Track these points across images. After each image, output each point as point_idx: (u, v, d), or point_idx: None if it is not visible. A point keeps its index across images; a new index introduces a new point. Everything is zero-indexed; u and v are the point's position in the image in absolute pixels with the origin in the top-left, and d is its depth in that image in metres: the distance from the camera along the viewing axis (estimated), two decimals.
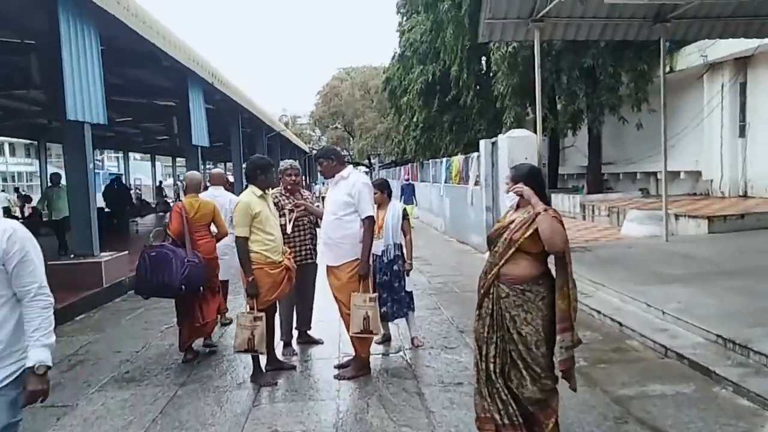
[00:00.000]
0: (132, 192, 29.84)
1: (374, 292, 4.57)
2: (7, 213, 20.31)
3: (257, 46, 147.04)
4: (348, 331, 4.43)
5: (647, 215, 10.75)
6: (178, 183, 33.77)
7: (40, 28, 7.93)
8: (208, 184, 6.81)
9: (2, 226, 2.24)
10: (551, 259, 2.98)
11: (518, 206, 3.06)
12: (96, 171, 33.54)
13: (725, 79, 12.93)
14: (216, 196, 6.13)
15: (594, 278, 6.75)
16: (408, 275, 5.16)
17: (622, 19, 8.76)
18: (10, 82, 11.75)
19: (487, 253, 3.19)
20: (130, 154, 34.76)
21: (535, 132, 9.15)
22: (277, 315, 4.87)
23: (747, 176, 12.79)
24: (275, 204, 4.99)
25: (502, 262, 2.95)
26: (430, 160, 19.09)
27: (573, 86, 14.37)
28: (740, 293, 5.69)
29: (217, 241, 5.50)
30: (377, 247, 4.94)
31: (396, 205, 5.25)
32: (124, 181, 25.52)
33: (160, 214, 22.62)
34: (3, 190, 33.25)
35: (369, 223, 4.40)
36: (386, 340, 5.32)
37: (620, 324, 5.44)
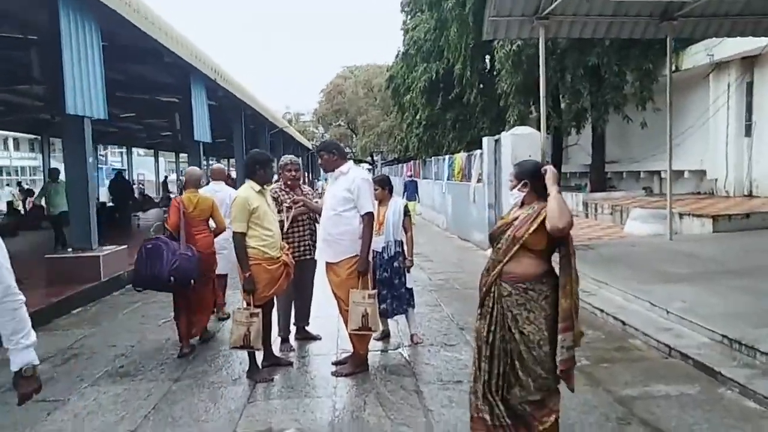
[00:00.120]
0: (135, 187, 29.91)
1: (373, 288, 4.49)
2: (10, 207, 20.38)
3: (260, 42, 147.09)
4: (346, 327, 4.36)
5: (651, 214, 10.65)
6: (181, 178, 33.76)
7: (41, 23, 7.89)
8: (209, 179, 6.78)
9: None
10: (555, 258, 2.90)
11: (522, 203, 2.98)
12: (99, 166, 33.63)
13: (731, 78, 12.80)
14: (216, 191, 6.14)
15: (597, 276, 6.66)
16: (408, 272, 5.09)
17: (628, 17, 8.66)
18: (13, 76, 11.69)
19: (490, 250, 3.11)
20: (134, 150, 34.79)
21: (539, 130, 9.07)
22: (274, 311, 4.80)
23: (752, 176, 12.67)
24: (274, 199, 4.93)
25: (506, 259, 2.87)
26: (433, 158, 19.02)
27: (577, 84, 14.27)
28: (746, 293, 5.60)
29: (215, 236, 5.48)
30: (378, 243, 4.87)
31: (397, 202, 5.17)
32: (127, 177, 25.59)
33: (164, 208, 22.59)
34: (8, 185, 33.33)
35: (368, 219, 4.32)
36: (385, 336, 5.25)
37: (623, 323, 5.35)
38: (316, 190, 20.72)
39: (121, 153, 42.10)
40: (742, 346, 4.24)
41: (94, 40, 7.22)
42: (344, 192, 4.36)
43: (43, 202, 12.65)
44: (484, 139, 11.16)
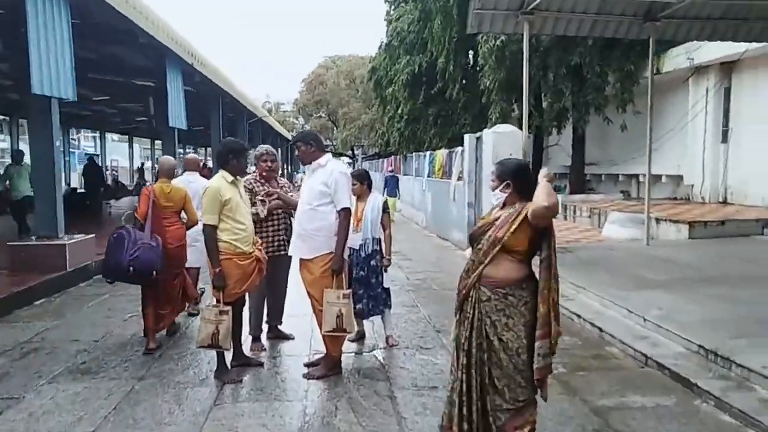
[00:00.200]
0: (108, 173, 29.25)
1: (349, 288, 4.35)
2: None
3: (241, 29, 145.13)
4: (320, 328, 4.21)
5: (629, 218, 10.69)
6: (156, 166, 33.08)
7: None
8: (181, 170, 6.57)
9: None
10: (535, 261, 2.80)
11: (504, 204, 2.86)
12: (71, 150, 32.69)
13: (710, 83, 12.93)
14: (190, 182, 5.94)
15: (575, 281, 6.61)
16: (386, 271, 4.96)
17: (612, 16, 8.65)
18: None
19: (469, 250, 3.00)
20: (108, 135, 33.96)
21: (521, 128, 9.00)
22: (246, 308, 4.64)
23: (727, 182, 12.82)
24: (249, 191, 4.75)
25: (487, 260, 2.76)
26: (414, 154, 18.90)
27: (559, 84, 14.29)
28: (722, 301, 5.60)
29: (187, 228, 5.28)
30: (355, 240, 4.71)
31: (377, 198, 5.02)
32: (99, 162, 24.97)
33: (137, 197, 22.08)
34: None
35: (345, 215, 4.17)
36: (360, 337, 5.11)
37: (600, 329, 5.31)
38: (295, 182, 20.50)
39: (95, 138, 41.04)
40: (717, 357, 4.20)
41: (62, 16, 6.87)
42: (321, 186, 4.20)
43: (4, 187, 11.90)
44: (466, 137, 11.06)
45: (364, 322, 5.12)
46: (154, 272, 4.78)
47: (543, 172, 2.74)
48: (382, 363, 4.60)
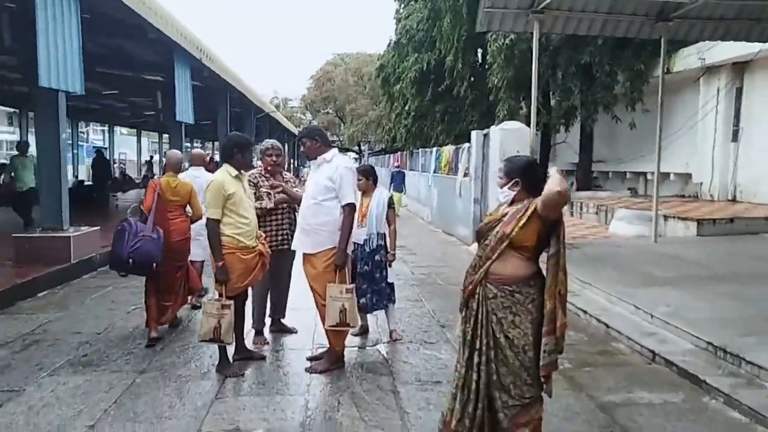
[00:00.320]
0: (116, 166, 29.34)
1: (352, 282, 4.31)
2: None
3: (251, 26, 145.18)
4: (323, 323, 4.17)
5: (636, 215, 10.59)
6: (164, 160, 33.15)
7: None
8: (187, 164, 6.58)
9: None
10: (542, 258, 2.74)
11: (512, 202, 2.80)
12: (80, 143, 32.82)
13: (722, 83, 12.78)
14: (196, 176, 5.95)
15: (581, 277, 6.54)
16: (390, 266, 4.91)
17: (623, 15, 8.52)
18: None
19: (474, 245, 2.95)
20: (116, 128, 34.07)
21: (529, 125, 8.92)
22: (248, 302, 4.60)
23: (737, 181, 12.69)
24: (254, 185, 4.72)
25: (494, 256, 2.70)
26: (420, 149, 18.83)
27: (568, 82, 14.19)
28: (731, 298, 5.52)
29: (192, 222, 5.28)
30: (359, 235, 4.69)
31: (382, 193, 4.98)
32: (107, 155, 25.05)
33: (143, 189, 22.12)
34: None
35: (349, 210, 4.13)
36: (363, 332, 5.07)
37: (607, 325, 5.24)
38: (301, 177, 20.48)
39: (104, 131, 41.17)
40: (727, 354, 4.13)
41: (72, 9, 6.87)
42: (326, 180, 4.16)
43: (9, 178, 11.78)
44: (473, 133, 10.99)
45: (368, 316, 5.08)
46: (155, 264, 4.78)
47: (553, 170, 2.68)
48: (386, 357, 4.56)
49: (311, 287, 4.26)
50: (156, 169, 28.56)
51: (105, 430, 3.31)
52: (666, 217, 10.17)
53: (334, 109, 48.67)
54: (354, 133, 43.44)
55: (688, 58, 12.94)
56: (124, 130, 38.90)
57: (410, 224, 14.11)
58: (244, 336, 4.50)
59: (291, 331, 5.15)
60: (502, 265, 2.73)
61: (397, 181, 16.92)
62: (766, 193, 11.77)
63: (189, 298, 5.61)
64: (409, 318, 5.63)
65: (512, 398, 2.69)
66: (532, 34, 8.36)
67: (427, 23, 19.53)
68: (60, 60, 6.66)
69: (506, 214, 2.79)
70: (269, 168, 4.92)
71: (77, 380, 4.02)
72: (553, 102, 15.46)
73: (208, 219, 4.07)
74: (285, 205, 4.88)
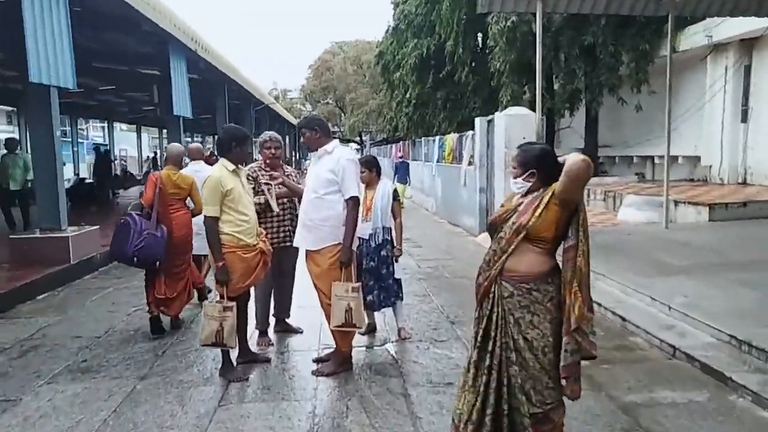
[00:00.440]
0: (116, 163, 29.18)
1: (358, 280, 4.13)
2: None
3: (248, 15, 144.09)
4: (328, 323, 4.00)
5: (645, 201, 10.38)
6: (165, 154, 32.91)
7: None
8: (187, 160, 6.48)
9: None
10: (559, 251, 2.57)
11: (527, 192, 2.61)
12: (80, 141, 32.63)
13: (730, 61, 12.48)
14: (197, 171, 5.89)
15: (593, 267, 6.25)
16: (397, 261, 4.73)
17: None
18: None
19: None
20: (116, 125, 33.84)
21: (534, 110, 8.69)
22: (251, 302, 4.44)
23: (747, 163, 12.43)
24: (253, 179, 4.53)
25: (510, 249, 2.52)
26: (423, 138, 18.59)
27: (572, 65, 13.90)
28: (750, 287, 5.32)
29: (194, 216, 5.20)
30: (364, 230, 4.49)
31: (386, 185, 4.78)
32: (109, 152, 24.89)
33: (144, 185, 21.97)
34: None
35: (353, 204, 3.94)
36: (371, 330, 4.91)
37: (623, 318, 5.07)
38: (303, 170, 20.29)
39: (103, 128, 40.94)
40: (752, 349, 3.95)
41: (60, 2, 6.66)
42: (328, 173, 3.96)
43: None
44: (477, 120, 10.77)
45: (375, 314, 4.92)
46: (158, 262, 4.87)
47: (572, 153, 2.50)
48: (395, 357, 4.40)
49: (315, 286, 4.09)
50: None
51: None
52: (676, 202, 9.96)
53: (334, 99, 48.30)
54: (355, 123, 43.12)
55: (694, 36, 12.64)
56: (124, 126, 38.62)
57: (414, 215, 13.93)
58: (248, 337, 4.34)
59: (296, 330, 4.99)
60: (518, 260, 2.55)
61: (401, 172, 16.72)
62: None
63: (191, 296, 5.49)
64: (418, 314, 5.46)
65: (533, 405, 2.52)
66: (534, 15, 8.11)
67: (425, 7, 19.19)
68: (50, 54, 6.46)
69: (521, 204, 2.60)
70: (268, 161, 4.73)
71: (76, 388, 3.87)
72: (556, 86, 15.18)
73: (206, 217, 3.89)
74: (286, 200, 4.70)
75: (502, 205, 2.78)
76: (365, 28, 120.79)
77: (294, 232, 4.55)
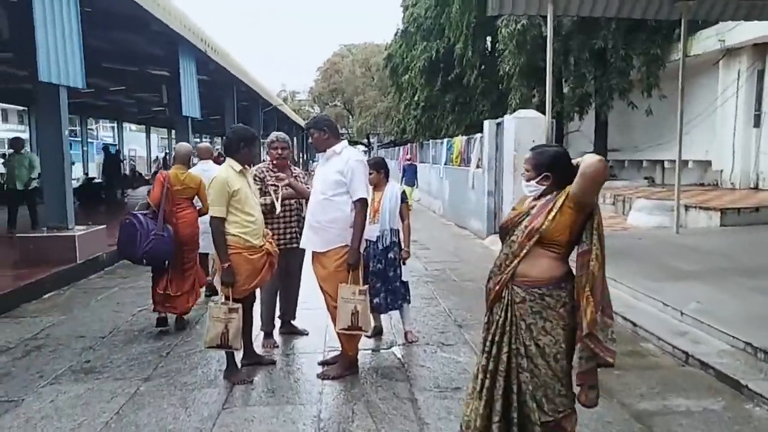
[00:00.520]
0: (125, 163, 29.30)
1: (365, 283, 4.07)
2: None
3: (257, 17, 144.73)
4: (334, 326, 3.94)
5: (656, 205, 10.25)
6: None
7: None
8: (195, 160, 6.48)
9: None
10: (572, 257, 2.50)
11: (541, 196, 2.55)
12: (89, 141, 32.84)
13: (743, 66, 12.35)
14: (205, 170, 5.92)
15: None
16: (404, 263, 4.67)
17: None
18: None
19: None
20: (125, 125, 33.99)
21: (544, 113, 8.61)
22: (257, 303, 4.39)
23: (759, 168, 12.29)
24: (260, 180, 4.49)
25: (523, 253, 2.45)
26: (431, 141, 18.53)
27: (582, 68, 13.82)
28: (764, 293, 5.23)
29: (201, 215, 5.23)
30: (372, 232, 4.43)
31: (394, 187, 4.72)
32: (119, 153, 25.02)
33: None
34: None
35: (361, 205, 3.88)
36: (377, 333, 4.84)
37: (634, 324, 4.97)
38: (310, 171, 20.25)
39: (113, 128, 41.16)
40: None
41: (71, 2, 6.67)
42: (336, 174, 3.90)
43: (4, 177, 11.38)
44: (486, 123, 10.69)
45: (382, 316, 4.86)
46: (166, 262, 4.99)
47: (587, 154, 2.43)
48: (402, 361, 4.32)
49: (321, 288, 4.03)
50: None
51: None
52: (687, 207, 9.83)
53: (342, 102, 48.40)
54: (362, 125, 43.15)
55: (706, 41, 12.53)
56: (133, 126, 38.80)
57: (422, 217, 13.85)
58: (253, 340, 4.29)
59: (302, 332, 4.93)
60: (530, 265, 2.48)
61: (409, 174, 16.64)
62: None
63: (198, 297, 5.46)
64: (425, 317, 5.39)
65: (545, 413, 2.45)
66: (544, 17, 8.04)
67: (435, 10, 19.17)
68: (60, 54, 6.48)
69: (533, 207, 2.54)
70: (275, 161, 4.68)
71: (78, 389, 3.82)
72: (566, 89, 15.09)
73: (212, 218, 3.84)
74: (293, 201, 4.65)
75: (514, 208, 2.71)
76: (374, 31, 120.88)
77: (300, 234, 4.50)
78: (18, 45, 8.87)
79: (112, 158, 19.20)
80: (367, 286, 3.98)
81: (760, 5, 8.34)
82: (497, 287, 2.55)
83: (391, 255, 4.54)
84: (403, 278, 4.66)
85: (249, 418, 3.40)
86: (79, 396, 3.71)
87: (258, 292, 4.34)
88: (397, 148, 28.45)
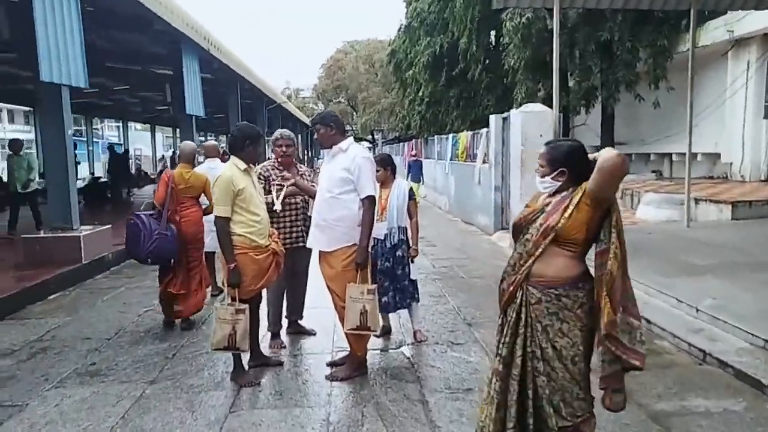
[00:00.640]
0: (131, 162, 29.32)
1: (373, 282, 3.99)
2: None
3: (260, 14, 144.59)
4: (342, 326, 3.87)
5: (665, 198, 10.13)
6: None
7: None
8: (201, 158, 6.41)
9: None
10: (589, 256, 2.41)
11: (555, 193, 2.46)
12: (95, 140, 32.87)
13: (752, 56, 12.16)
14: (212, 168, 5.87)
15: None
16: (413, 261, 4.59)
17: None
18: None
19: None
20: (130, 124, 34.02)
21: (550, 107, 8.50)
22: (263, 304, 4.32)
23: None
24: (265, 178, 4.41)
25: (538, 252, 2.36)
26: (435, 137, 18.42)
27: (588, 61, 13.65)
28: None
29: (206, 214, 5.17)
30: (380, 230, 4.35)
31: (402, 184, 4.64)
32: (126, 153, 25.00)
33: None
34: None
35: (369, 203, 3.80)
36: (386, 332, 4.77)
37: (648, 321, 4.85)
38: (316, 169, 20.15)
39: (118, 127, 41.19)
40: None
41: (71, 1, 6.60)
42: (342, 172, 3.82)
43: (6, 178, 11.18)
44: (492, 117, 10.58)
45: (390, 315, 4.78)
46: (171, 261, 5.03)
47: (605, 149, 2.34)
48: (411, 361, 4.25)
49: (328, 287, 3.95)
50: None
51: None
52: (697, 200, 9.70)
53: (346, 98, 48.25)
54: (367, 121, 43.01)
55: (714, 32, 12.35)
56: (138, 125, 38.84)
57: (428, 213, 13.76)
58: (260, 341, 4.22)
59: (309, 333, 4.86)
60: (545, 264, 2.39)
61: (414, 170, 16.56)
62: None
63: (205, 296, 5.42)
64: (433, 316, 5.31)
65: (563, 418, 2.37)
66: (550, 10, 7.92)
67: (438, 4, 18.99)
68: (61, 54, 6.42)
69: (548, 204, 2.45)
70: (280, 159, 4.60)
71: (84, 392, 3.76)
72: (571, 83, 14.93)
73: (217, 217, 3.77)
74: (299, 199, 4.57)
75: (527, 205, 2.62)
76: (377, 27, 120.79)
77: (307, 233, 4.42)
78: (20, 45, 8.79)
79: (119, 157, 19.17)
80: (375, 285, 3.91)
81: None
82: (511, 288, 2.46)
83: (399, 253, 4.46)
84: (412, 276, 4.58)
85: (257, 421, 3.33)
86: (85, 400, 3.65)
87: (264, 292, 4.27)
88: (401, 144, 28.34)
